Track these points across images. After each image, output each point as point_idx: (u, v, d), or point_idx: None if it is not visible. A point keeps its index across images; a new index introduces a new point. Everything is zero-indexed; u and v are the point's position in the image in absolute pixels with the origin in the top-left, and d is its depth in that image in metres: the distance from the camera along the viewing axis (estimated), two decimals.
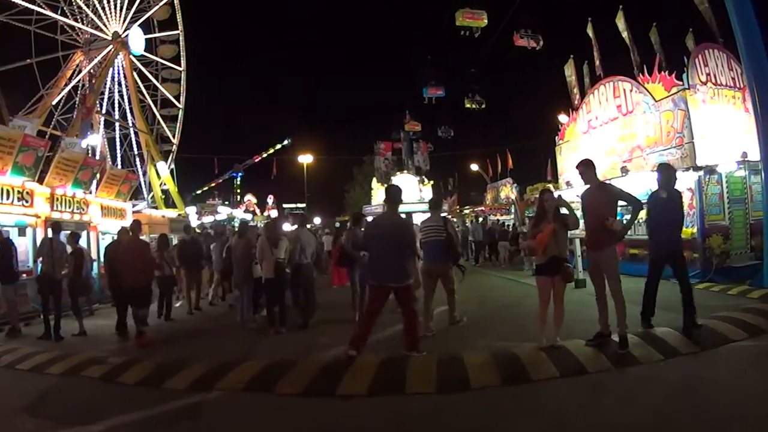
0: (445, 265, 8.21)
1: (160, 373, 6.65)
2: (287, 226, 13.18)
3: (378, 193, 31.42)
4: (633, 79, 15.18)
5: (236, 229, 12.30)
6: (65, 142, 19.09)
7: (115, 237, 12.54)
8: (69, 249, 10.81)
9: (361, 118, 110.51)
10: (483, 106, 25.61)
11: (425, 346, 6.73)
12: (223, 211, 53.03)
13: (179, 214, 40.62)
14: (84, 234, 16.00)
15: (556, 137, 19.48)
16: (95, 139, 37.10)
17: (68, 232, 12.82)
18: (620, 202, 6.72)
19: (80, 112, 33.99)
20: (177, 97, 51.96)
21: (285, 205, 74.53)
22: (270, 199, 67.87)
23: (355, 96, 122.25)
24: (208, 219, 47.12)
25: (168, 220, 20.95)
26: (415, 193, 30.03)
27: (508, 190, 36.83)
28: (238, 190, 71.95)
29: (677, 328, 7.21)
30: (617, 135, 15.56)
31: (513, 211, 29.58)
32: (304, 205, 62.46)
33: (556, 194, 6.99)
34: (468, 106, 25.57)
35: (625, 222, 6.69)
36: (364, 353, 6.40)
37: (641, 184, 14.01)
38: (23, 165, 13.21)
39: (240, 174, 69.35)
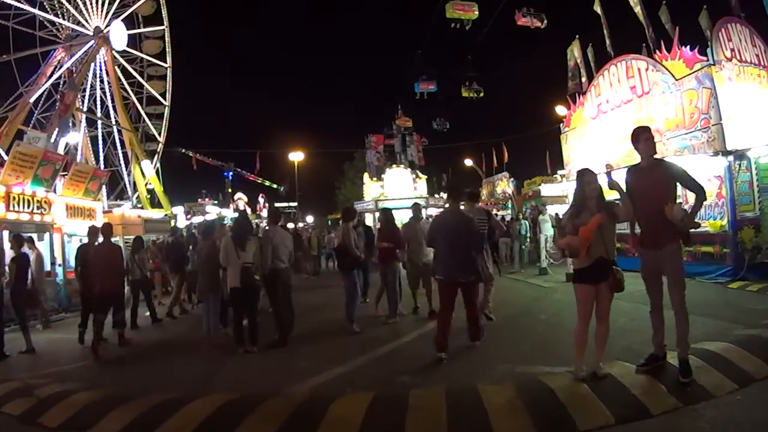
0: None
1: (87, 413, 5.20)
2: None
3: (370, 189, 29.71)
4: (649, 56, 13.77)
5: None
6: (28, 137, 17.50)
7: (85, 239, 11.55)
8: (11, 254, 9.39)
9: (352, 113, 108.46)
10: (481, 94, 24.35)
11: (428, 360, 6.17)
12: (213, 211, 51.34)
13: (166, 215, 39.12)
14: (46, 236, 14.67)
15: (561, 125, 18.02)
16: (75, 137, 35.45)
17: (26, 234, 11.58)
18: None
19: (58, 109, 32.27)
20: (163, 95, 50.27)
21: (277, 204, 72.84)
22: (261, 199, 66.09)
23: (345, 91, 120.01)
24: (198, 219, 45.45)
25: (143, 220, 19.38)
26: (409, 189, 28.37)
27: (504, 185, 36.02)
28: (230, 189, 70.29)
29: (737, 341, 5.84)
30: (632, 119, 14.12)
31: (510, 206, 28.35)
32: (295, 204, 60.89)
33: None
34: (465, 94, 24.32)
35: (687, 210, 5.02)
36: (357, 387, 5.33)
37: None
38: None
39: (231, 173, 67.69)
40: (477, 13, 20.00)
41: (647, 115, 13.61)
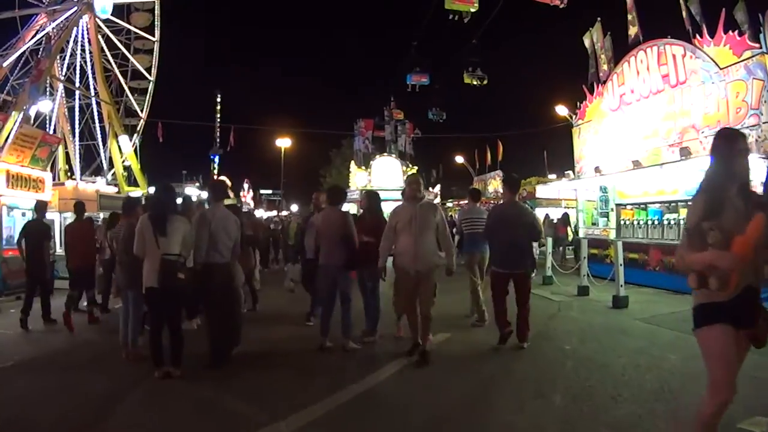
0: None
1: None
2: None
3: (356, 177, 27.66)
4: (687, 41, 11.90)
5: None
6: None
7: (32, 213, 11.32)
8: None
9: (343, 99, 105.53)
10: (485, 81, 22.47)
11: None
12: (193, 193, 48.99)
13: (142, 194, 37.03)
14: None
15: (573, 117, 16.14)
16: (46, 106, 33.13)
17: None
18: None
19: (31, 75, 29.96)
20: (148, 69, 47.90)
21: (262, 191, 70.64)
22: (246, 184, 63.76)
23: (336, 74, 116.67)
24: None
25: (98, 196, 17.29)
26: (398, 179, 26.25)
27: (497, 184, 34.56)
28: (216, 172, 68.04)
29: None
30: (662, 112, 12.28)
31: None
32: (280, 191, 58.75)
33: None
34: (468, 81, 22.46)
35: None
36: None
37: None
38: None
39: (218, 155, 65.44)
40: (477, 5, 19.09)
41: (681, 108, 11.77)
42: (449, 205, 38.73)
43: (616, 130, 13.82)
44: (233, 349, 6.10)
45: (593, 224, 14.48)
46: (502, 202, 7.48)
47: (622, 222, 13.79)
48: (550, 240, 13.38)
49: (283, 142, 47.63)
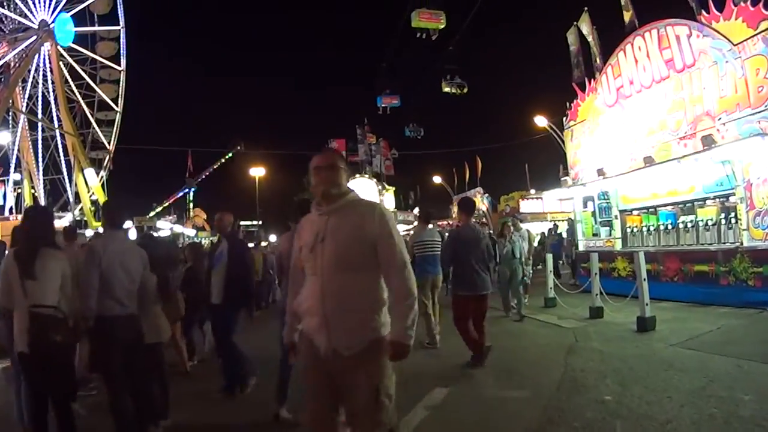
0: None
1: None
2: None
3: None
4: (692, 19, 10.46)
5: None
6: None
7: None
8: None
9: (314, 125, 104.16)
10: (465, 90, 21.28)
11: None
12: (165, 227, 46.75)
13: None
14: None
15: (564, 119, 14.62)
16: (5, 138, 31.19)
17: None
18: None
19: None
20: (115, 100, 46.25)
21: (242, 223, 68.41)
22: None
23: (306, 102, 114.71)
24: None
25: None
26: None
27: (478, 201, 33.15)
28: (191, 206, 65.92)
29: None
30: (669, 101, 10.75)
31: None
32: (258, 222, 56.61)
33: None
34: (447, 90, 21.29)
35: None
36: None
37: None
38: None
39: (193, 189, 63.30)
40: (444, 22, 19.27)
41: (691, 94, 10.27)
42: (430, 226, 36.93)
43: (615, 127, 12.27)
44: (158, 425, 4.26)
45: (594, 235, 12.87)
46: (459, 225, 7.22)
47: (628, 229, 12.22)
48: (550, 257, 11.62)
49: (257, 171, 45.88)
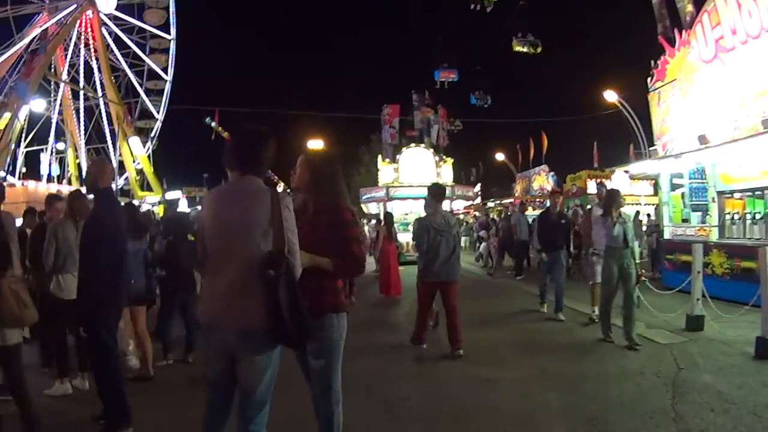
0: None
1: None
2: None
3: (383, 173, 23.70)
4: None
5: None
6: None
7: None
8: None
9: (368, 98, 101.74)
10: (539, 49, 19.74)
11: None
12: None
13: (159, 200, 34.78)
14: None
15: (648, 80, 12.38)
16: (39, 105, 30.80)
17: None
18: None
19: (21, 72, 27.76)
20: (165, 69, 45.72)
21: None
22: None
23: (364, 69, 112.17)
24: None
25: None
26: (431, 174, 22.20)
27: (542, 180, 31.72)
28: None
29: None
30: None
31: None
32: None
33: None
34: (518, 49, 20.12)
35: None
36: None
37: None
38: None
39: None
40: None
41: None
42: (490, 205, 35.21)
43: (714, 88, 10.14)
44: None
45: (684, 221, 10.83)
46: (430, 212, 6.70)
47: (727, 216, 10.12)
48: (636, 244, 9.12)
49: (315, 143, 44.75)
